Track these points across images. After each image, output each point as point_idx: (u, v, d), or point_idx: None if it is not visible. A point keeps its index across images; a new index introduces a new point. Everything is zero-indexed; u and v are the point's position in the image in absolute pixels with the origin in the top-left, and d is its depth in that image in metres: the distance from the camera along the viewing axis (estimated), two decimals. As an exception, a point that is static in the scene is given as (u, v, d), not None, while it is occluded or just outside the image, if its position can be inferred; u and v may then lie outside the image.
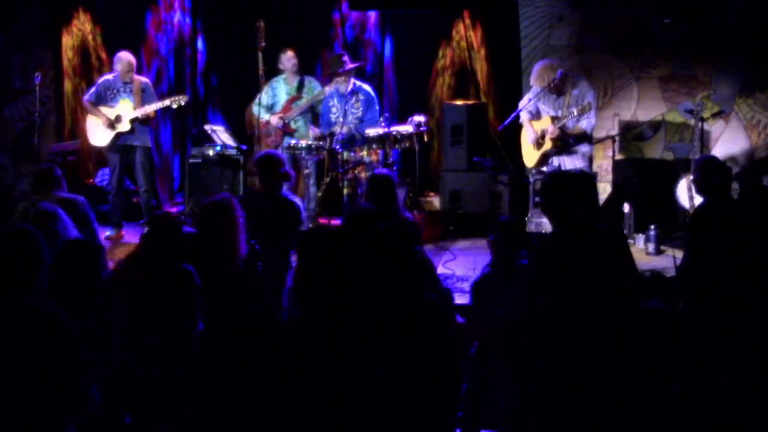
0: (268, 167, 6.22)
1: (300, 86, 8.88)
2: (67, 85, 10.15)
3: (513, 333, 4.16)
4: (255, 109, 8.83)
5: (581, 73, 8.34)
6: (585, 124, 7.41)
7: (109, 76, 8.72)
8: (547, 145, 7.48)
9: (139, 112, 8.47)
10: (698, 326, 3.91)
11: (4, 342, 3.22)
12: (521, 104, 7.75)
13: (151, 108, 8.51)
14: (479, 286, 4.73)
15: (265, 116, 8.76)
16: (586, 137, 7.50)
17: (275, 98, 8.91)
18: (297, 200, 6.34)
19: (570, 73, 7.62)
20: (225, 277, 4.81)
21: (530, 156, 7.71)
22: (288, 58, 8.83)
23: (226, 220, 5.01)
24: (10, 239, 3.35)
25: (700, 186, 5.72)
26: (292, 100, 8.84)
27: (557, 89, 7.43)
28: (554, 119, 7.40)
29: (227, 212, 5.03)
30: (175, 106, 8.60)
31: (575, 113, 7.30)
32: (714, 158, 6.02)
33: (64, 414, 3.29)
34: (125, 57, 8.60)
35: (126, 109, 8.49)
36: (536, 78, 7.49)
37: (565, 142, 7.44)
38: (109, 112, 8.53)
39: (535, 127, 7.59)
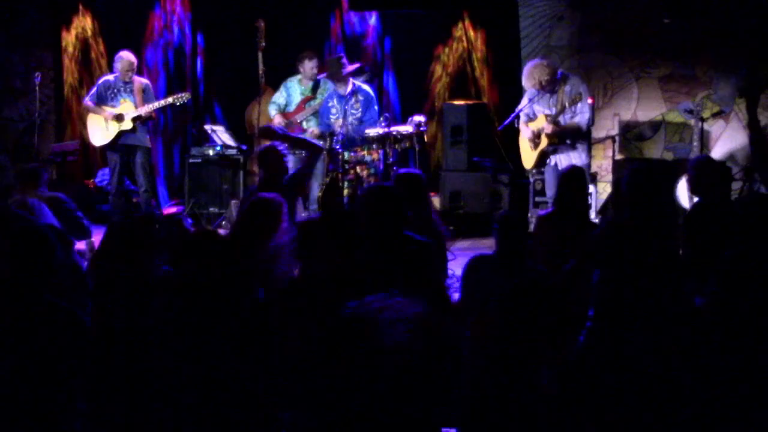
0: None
1: (315, 87, 8.87)
2: (67, 85, 10.15)
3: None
4: (271, 108, 8.80)
5: (579, 72, 8.35)
6: (579, 118, 7.40)
7: (109, 77, 8.73)
8: (543, 142, 7.47)
9: (142, 111, 8.48)
10: (696, 326, 3.92)
11: (25, 336, 3.29)
12: (520, 106, 7.75)
13: (153, 106, 8.53)
14: (475, 263, 4.64)
15: (273, 112, 8.77)
16: (581, 133, 7.48)
17: (289, 98, 8.90)
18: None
19: (562, 72, 7.62)
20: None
21: (528, 157, 7.71)
22: (312, 67, 8.78)
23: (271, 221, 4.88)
24: (30, 236, 3.43)
25: (693, 186, 5.73)
26: (306, 100, 8.83)
27: (549, 87, 7.42)
28: (548, 117, 7.40)
29: (275, 213, 4.91)
30: (178, 103, 8.62)
31: (567, 105, 7.30)
32: (708, 158, 6.03)
33: (76, 408, 3.34)
34: (126, 56, 8.61)
35: (128, 109, 8.50)
36: (527, 78, 7.48)
37: (561, 138, 7.42)
38: (111, 111, 8.54)
39: (531, 128, 7.59)
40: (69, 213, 6.29)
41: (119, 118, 8.49)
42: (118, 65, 8.58)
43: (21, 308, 3.32)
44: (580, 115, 7.38)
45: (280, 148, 6.49)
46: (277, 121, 8.78)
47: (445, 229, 5.79)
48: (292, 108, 8.87)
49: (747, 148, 8.94)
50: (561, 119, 7.38)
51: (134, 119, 8.48)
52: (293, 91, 8.89)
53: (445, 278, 5.29)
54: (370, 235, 4.28)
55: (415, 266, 4.24)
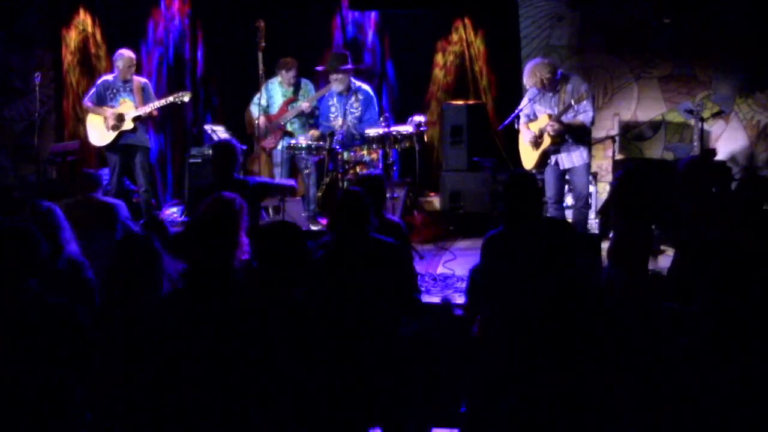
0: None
1: (296, 89, 8.89)
2: (68, 85, 10.16)
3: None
4: (253, 109, 8.86)
5: (578, 72, 8.34)
6: (583, 117, 7.38)
7: (108, 77, 8.73)
8: (546, 142, 7.45)
9: (142, 111, 8.48)
10: (691, 325, 3.92)
11: (14, 332, 3.27)
12: (520, 106, 7.74)
13: (153, 106, 8.53)
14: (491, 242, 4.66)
15: (255, 113, 8.79)
16: (585, 131, 7.47)
17: (270, 99, 8.92)
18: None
19: (561, 72, 7.60)
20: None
21: (529, 157, 7.67)
22: (290, 77, 8.78)
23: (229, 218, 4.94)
24: (9, 235, 3.40)
25: (686, 186, 5.73)
26: (289, 102, 8.84)
27: (551, 86, 7.40)
28: (552, 116, 7.37)
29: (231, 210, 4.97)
30: (178, 102, 8.62)
31: (572, 103, 7.27)
32: (700, 158, 6.03)
33: (75, 403, 3.33)
34: (126, 54, 8.61)
35: (128, 108, 8.50)
36: (529, 76, 7.45)
37: (564, 137, 7.40)
38: (111, 112, 8.54)
39: (532, 129, 7.57)
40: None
41: (120, 118, 8.49)
42: (119, 63, 8.58)
43: (10, 305, 3.30)
44: (584, 114, 7.36)
45: (235, 143, 6.57)
46: (261, 122, 8.78)
47: (402, 223, 5.81)
48: (274, 110, 8.88)
49: (747, 148, 8.95)
50: (564, 118, 7.36)
51: (134, 119, 8.48)
52: (274, 92, 8.91)
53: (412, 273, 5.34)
54: (339, 236, 4.37)
55: (382, 266, 4.33)
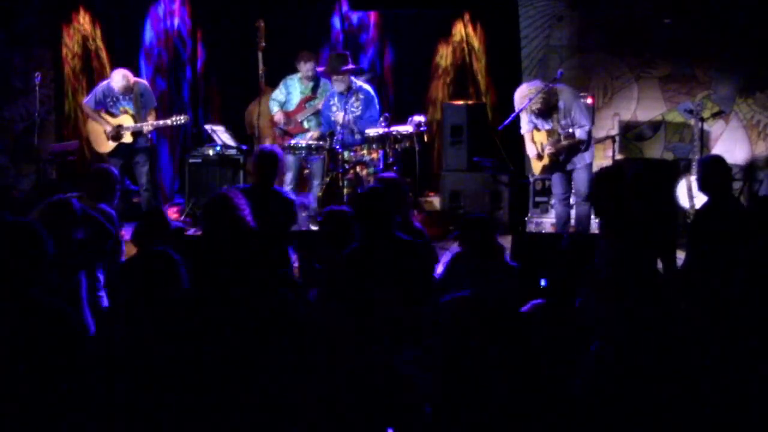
0: (267, 163, 6.32)
1: (315, 87, 8.89)
2: (67, 85, 10.15)
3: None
4: (272, 105, 8.85)
5: (578, 71, 8.34)
6: (579, 133, 7.42)
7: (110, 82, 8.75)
8: (546, 160, 7.56)
9: (140, 127, 8.51)
10: (697, 327, 3.92)
11: (9, 335, 3.22)
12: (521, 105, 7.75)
13: (149, 126, 8.59)
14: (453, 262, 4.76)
15: (274, 109, 8.81)
16: (582, 147, 7.54)
17: (289, 95, 8.92)
18: (292, 195, 6.52)
19: (550, 88, 7.52)
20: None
21: (535, 166, 7.79)
22: (308, 69, 8.79)
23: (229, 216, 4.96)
24: (13, 231, 3.34)
25: (702, 184, 5.73)
26: (306, 100, 8.85)
27: (545, 108, 7.45)
28: (549, 133, 7.46)
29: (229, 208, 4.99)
30: (175, 124, 8.70)
31: (563, 140, 7.38)
32: (719, 158, 6.01)
33: (66, 407, 3.30)
34: (117, 76, 8.57)
35: (126, 121, 8.55)
36: (519, 103, 7.51)
37: (561, 161, 7.53)
38: (110, 121, 8.58)
39: (535, 139, 7.64)
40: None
41: (118, 129, 8.54)
42: (114, 84, 8.58)
43: (4, 305, 3.25)
44: (580, 129, 7.39)
45: (277, 150, 6.53)
46: (278, 118, 8.81)
47: (425, 231, 5.77)
48: (291, 106, 8.89)
49: (747, 148, 8.94)
50: (561, 131, 7.44)
51: (133, 133, 8.54)
52: (293, 89, 8.90)
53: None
54: (362, 233, 4.38)
55: (403, 263, 4.35)
